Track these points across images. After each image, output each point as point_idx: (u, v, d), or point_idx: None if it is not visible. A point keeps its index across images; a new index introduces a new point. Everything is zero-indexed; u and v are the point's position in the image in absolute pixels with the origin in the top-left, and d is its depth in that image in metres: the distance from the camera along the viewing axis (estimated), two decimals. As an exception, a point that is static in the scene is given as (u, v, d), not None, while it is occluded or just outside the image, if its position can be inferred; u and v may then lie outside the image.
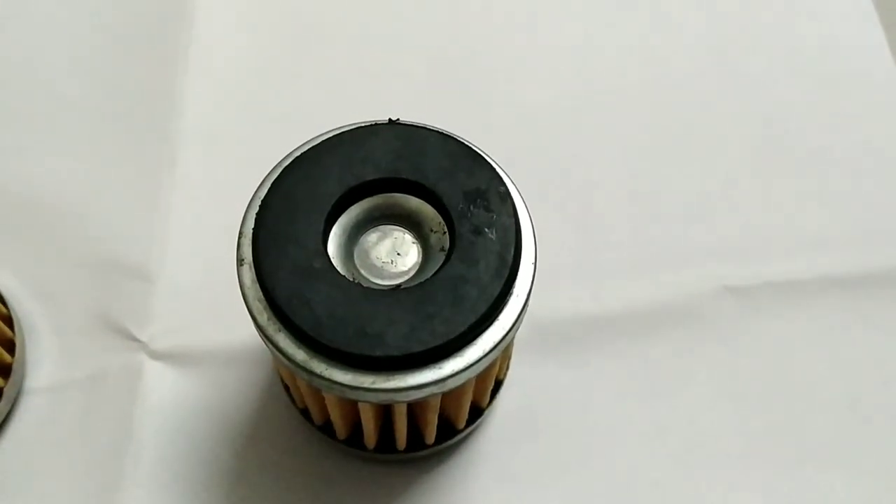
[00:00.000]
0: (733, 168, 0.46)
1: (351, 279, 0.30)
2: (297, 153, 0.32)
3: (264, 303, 0.29)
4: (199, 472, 0.39)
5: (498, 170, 0.31)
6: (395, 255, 0.31)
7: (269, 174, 0.32)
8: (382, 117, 0.33)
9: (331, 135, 0.32)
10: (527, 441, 0.40)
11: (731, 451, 0.40)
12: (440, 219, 0.31)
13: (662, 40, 0.50)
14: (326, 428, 0.37)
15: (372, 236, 0.32)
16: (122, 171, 0.45)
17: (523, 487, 0.39)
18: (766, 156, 0.47)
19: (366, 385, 0.28)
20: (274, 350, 0.29)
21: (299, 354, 0.29)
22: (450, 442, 0.38)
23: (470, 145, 0.32)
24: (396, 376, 0.29)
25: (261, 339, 0.30)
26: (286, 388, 0.38)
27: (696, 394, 0.41)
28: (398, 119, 0.32)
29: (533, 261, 0.30)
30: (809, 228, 0.45)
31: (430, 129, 0.32)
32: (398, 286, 0.30)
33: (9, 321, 0.40)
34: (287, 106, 0.48)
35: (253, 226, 0.30)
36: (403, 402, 0.30)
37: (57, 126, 0.46)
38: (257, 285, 0.30)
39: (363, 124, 0.32)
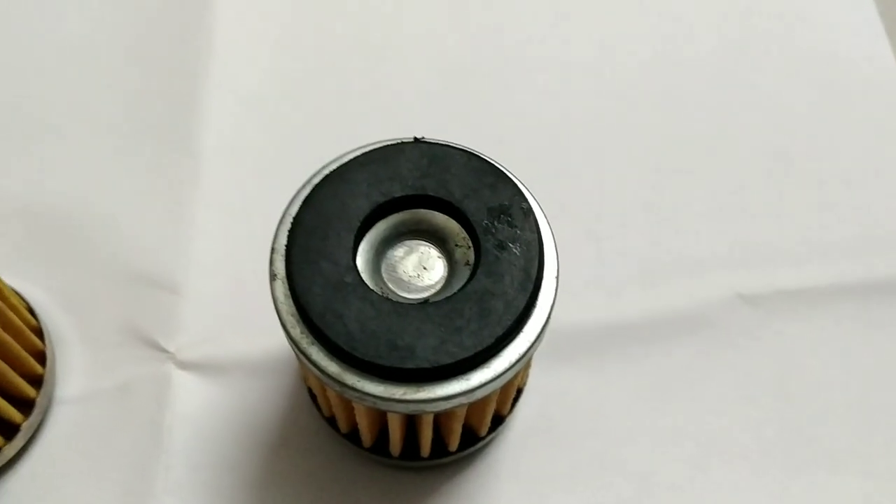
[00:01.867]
0: (746, 177, 0.47)
1: (380, 293, 0.31)
2: (326, 171, 0.33)
3: (297, 317, 0.31)
4: (228, 480, 0.40)
5: (520, 186, 0.32)
6: (422, 269, 0.33)
7: (299, 191, 0.33)
8: (400, 132, 0.34)
9: (359, 153, 0.33)
10: (546, 447, 0.41)
11: (746, 455, 0.41)
12: (465, 234, 0.32)
13: (675, 52, 0.51)
14: (353, 436, 0.38)
15: (398, 251, 0.33)
16: (149, 185, 0.46)
17: (543, 492, 0.40)
18: (778, 165, 0.48)
19: (397, 396, 0.29)
20: (306, 362, 0.30)
21: (332, 367, 0.30)
22: (472, 449, 0.39)
23: (492, 162, 0.33)
24: (426, 387, 0.30)
25: (292, 351, 0.31)
26: (313, 397, 0.40)
27: (710, 399, 0.42)
28: (423, 137, 0.33)
29: (555, 274, 0.31)
30: (821, 236, 0.46)
31: (454, 147, 0.33)
32: (426, 300, 0.31)
33: (39, 332, 0.41)
34: (307, 120, 0.49)
35: (286, 242, 0.31)
36: (432, 412, 0.31)
37: (84, 141, 0.47)
38: (290, 300, 0.31)
39: (390, 143, 0.33)
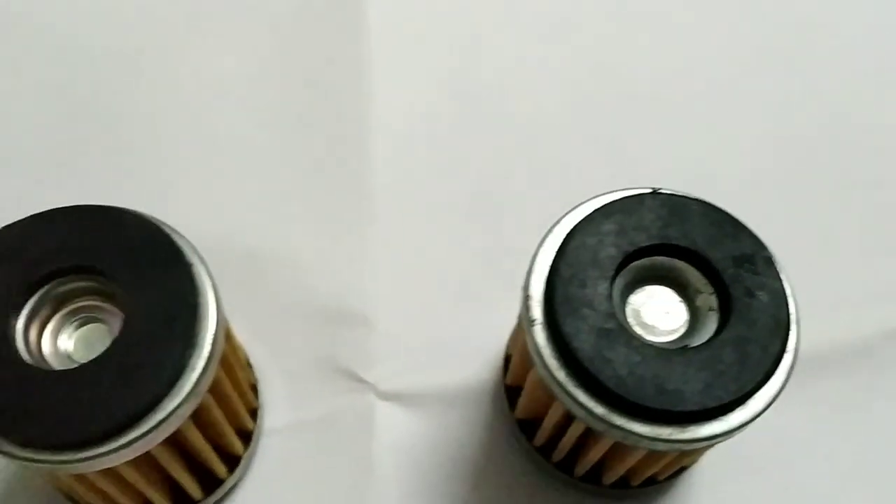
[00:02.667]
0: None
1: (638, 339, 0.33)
2: (570, 220, 0.35)
3: (561, 361, 0.32)
4: (439, 508, 0.42)
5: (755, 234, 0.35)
6: (665, 314, 0.35)
7: (543, 240, 0.35)
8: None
9: (603, 202, 0.35)
10: (735, 477, 0.43)
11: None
12: (705, 280, 0.34)
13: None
14: (564, 465, 0.40)
15: (640, 296, 0.35)
16: (326, 225, 0.48)
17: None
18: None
19: (663, 436, 0.31)
20: (572, 403, 0.32)
21: (598, 408, 0.32)
22: (675, 479, 0.41)
23: (727, 212, 0.35)
24: (691, 428, 0.32)
25: (547, 387, 0.33)
26: (520, 426, 0.41)
27: (883, 428, 0.44)
28: (660, 189, 0.35)
29: (797, 319, 0.33)
30: None
31: (689, 198, 0.35)
32: (685, 346, 0.33)
33: (249, 366, 0.43)
34: (459, 156, 0.51)
35: (542, 289, 0.33)
36: (692, 449, 0.33)
37: (259, 183, 0.49)
38: (552, 345, 0.33)
39: (629, 193, 0.35)
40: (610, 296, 0.33)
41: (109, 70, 0.52)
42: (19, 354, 0.32)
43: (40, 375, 0.31)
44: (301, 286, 0.46)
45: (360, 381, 0.44)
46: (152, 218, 0.34)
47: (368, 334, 0.45)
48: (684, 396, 0.31)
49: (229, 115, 0.51)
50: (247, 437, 0.41)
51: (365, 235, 0.48)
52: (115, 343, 0.31)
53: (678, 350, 0.32)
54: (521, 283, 0.46)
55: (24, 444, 0.30)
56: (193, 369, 0.32)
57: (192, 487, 0.39)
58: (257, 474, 0.42)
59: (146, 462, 0.34)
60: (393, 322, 0.46)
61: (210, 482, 0.40)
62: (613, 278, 0.33)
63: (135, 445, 0.31)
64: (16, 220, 0.33)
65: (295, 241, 0.47)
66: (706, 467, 0.43)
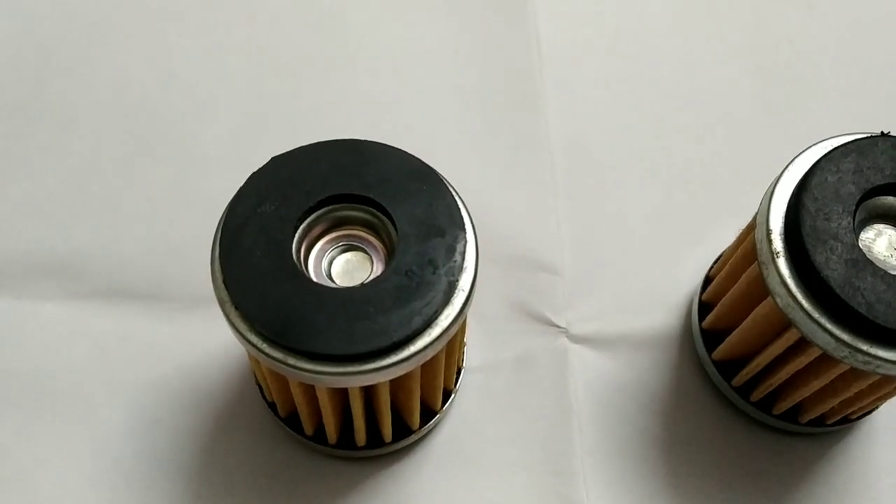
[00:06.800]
0: None
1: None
2: (806, 159, 0.36)
3: (807, 291, 0.34)
4: (637, 443, 0.43)
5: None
6: (893, 250, 0.36)
7: (781, 175, 0.36)
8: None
9: (836, 143, 0.37)
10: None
11: None
12: (932, 217, 0.36)
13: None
14: (762, 404, 0.42)
15: (869, 233, 0.37)
16: (510, 177, 0.50)
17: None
18: None
19: (908, 361, 0.33)
20: (818, 329, 0.34)
21: (845, 335, 0.34)
22: (864, 419, 0.43)
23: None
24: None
25: (788, 317, 0.35)
26: (716, 365, 0.43)
27: None
28: (889, 132, 0.37)
29: None
30: None
31: (916, 140, 0.37)
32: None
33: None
34: (633, 117, 0.52)
35: (781, 223, 0.35)
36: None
37: (453, 138, 0.51)
38: (796, 276, 0.35)
39: (861, 136, 0.37)
40: (853, 229, 0.35)
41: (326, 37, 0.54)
42: (304, 271, 0.34)
43: (325, 291, 0.33)
44: (488, 234, 0.48)
45: (552, 324, 0.46)
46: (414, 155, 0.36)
47: (557, 281, 0.47)
48: (930, 323, 0.33)
49: (426, 82, 0.53)
50: (458, 372, 0.43)
51: (545, 187, 0.50)
52: (391, 267, 0.33)
53: (919, 280, 0.34)
54: (699, 236, 0.48)
55: (310, 357, 0.32)
56: (462, 290, 0.34)
57: (414, 417, 0.41)
58: (460, 408, 0.44)
59: (398, 383, 0.36)
60: (579, 270, 0.48)
61: (426, 414, 0.42)
62: (854, 213, 0.35)
63: (411, 360, 0.33)
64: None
65: (481, 191, 0.49)
66: (885, 411, 0.45)
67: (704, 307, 0.44)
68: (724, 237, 0.45)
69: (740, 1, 0.56)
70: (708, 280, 0.45)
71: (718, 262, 0.45)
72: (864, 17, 0.55)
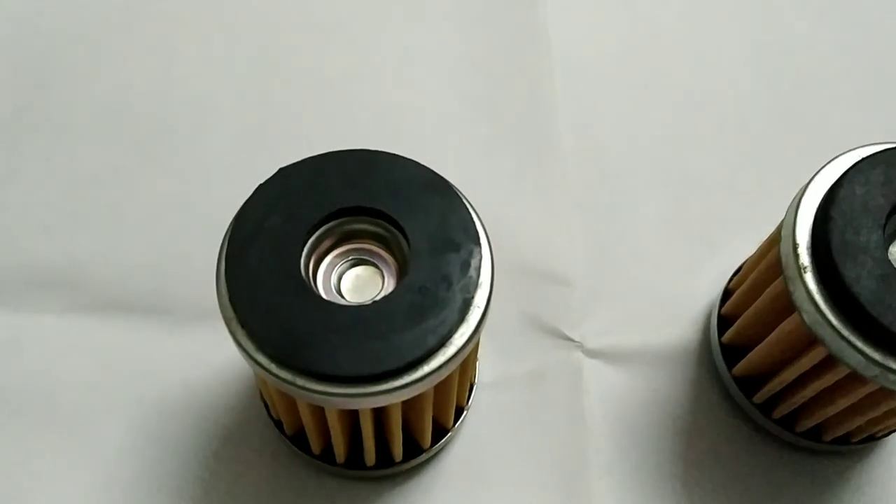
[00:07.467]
0: None
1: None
2: (831, 171, 0.35)
3: (836, 307, 0.33)
4: (650, 464, 0.42)
5: None
6: (925, 263, 0.35)
7: (807, 187, 0.35)
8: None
9: (862, 154, 0.35)
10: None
11: None
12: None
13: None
14: (785, 421, 0.41)
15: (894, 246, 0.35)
16: (521, 186, 0.49)
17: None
18: None
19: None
20: (847, 347, 0.33)
21: (876, 354, 0.32)
22: (888, 437, 0.42)
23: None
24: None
25: (815, 334, 0.34)
26: (737, 381, 0.42)
27: None
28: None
29: None
30: None
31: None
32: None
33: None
34: (644, 128, 0.51)
35: (808, 237, 0.34)
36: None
37: (456, 143, 0.50)
38: (824, 293, 0.33)
39: (889, 146, 0.35)
40: (883, 244, 0.34)
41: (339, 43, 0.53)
42: (313, 288, 0.32)
43: (336, 309, 0.32)
44: (498, 244, 0.47)
45: (566, 338, 0.45)
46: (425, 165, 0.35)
47: (571, 294, 0.46)
48: (961, 341, 0.32)
49: (435, 91, 0.52)
50: (470, 389, 0.42)
51: (557, 197, 0.49)
52: (403, 283, 0.32)
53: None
54: (716, 247, 0.47)
55: (320, 378, 0.31)
56: (478, 307, 0.33)
57: (425, 437, 0.39)
58: (472, 426, 0.43)
59: (410, 403, 0.35)
60: (593, 282, 0.46)
61: (437, 433, 0.41)
62: (884, 227, 0.34)
63: (425, 381, 0.31)
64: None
65: (490, 201, 0.48)
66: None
67: (724, 321, 0.43)
68: (741, 248, 0.44)
69: (754, 5, 0.55)
70: (727, 293, 0.44)
71: (738, 274, 0.44)
72: (885, 21, 0.54)
